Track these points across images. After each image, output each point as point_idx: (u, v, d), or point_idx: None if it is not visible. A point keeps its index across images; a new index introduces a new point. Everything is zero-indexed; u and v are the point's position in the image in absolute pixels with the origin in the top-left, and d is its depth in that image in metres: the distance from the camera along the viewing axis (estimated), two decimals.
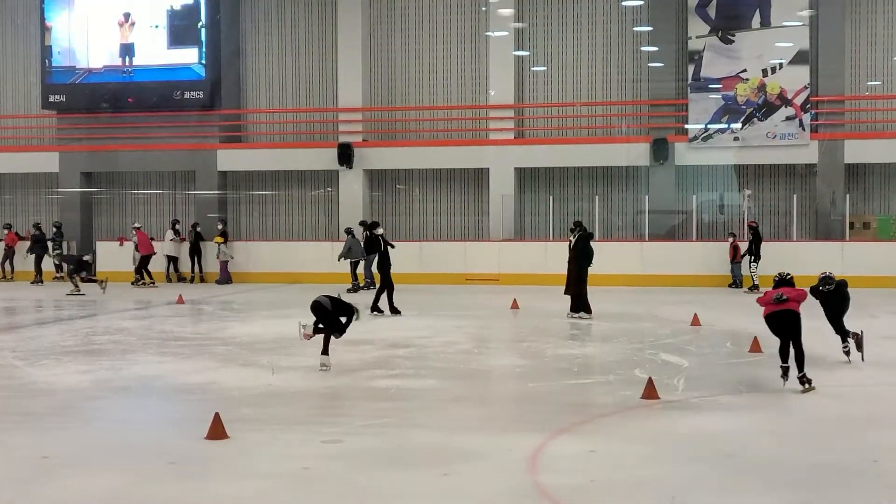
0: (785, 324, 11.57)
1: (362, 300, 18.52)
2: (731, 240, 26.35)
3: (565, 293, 19.53)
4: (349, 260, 26.21)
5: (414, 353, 14.83)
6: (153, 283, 27.85)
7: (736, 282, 25.86)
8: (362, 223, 26.54)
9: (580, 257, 19.35)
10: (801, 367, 11.51)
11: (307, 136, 31.68)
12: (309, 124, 32.00)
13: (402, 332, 17.23)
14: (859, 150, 27.63)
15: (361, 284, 26.10)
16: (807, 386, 11.45)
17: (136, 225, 29.05)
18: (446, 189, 30.90)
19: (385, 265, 20.10)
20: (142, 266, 27.93)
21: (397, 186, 31.17)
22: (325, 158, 30.32)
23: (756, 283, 24.68)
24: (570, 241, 19.77)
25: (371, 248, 21.15)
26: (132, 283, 27.72)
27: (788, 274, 12.18)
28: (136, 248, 28.12)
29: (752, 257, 25.12)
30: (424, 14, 30.87)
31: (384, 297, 19.90)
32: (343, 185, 30.53)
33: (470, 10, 30.54)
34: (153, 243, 28.57)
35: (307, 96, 31.78)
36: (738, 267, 25.87)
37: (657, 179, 28.61)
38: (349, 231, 26.98)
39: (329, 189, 31.27)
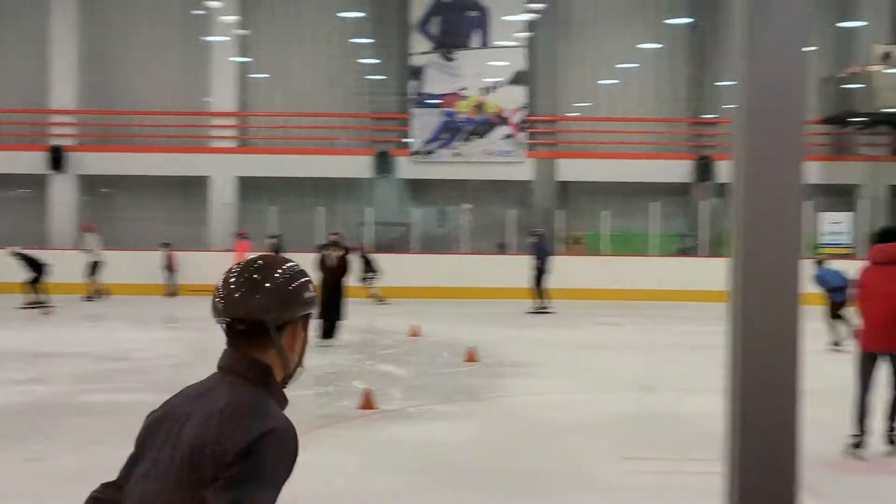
0: None
1: None
2: (165, 249, 26.39)
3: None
4: None
5: (129, 367, 14.23)
6: None
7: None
8: None
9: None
10: None
11: (14, 137, 29.67)
12: (17, 125, 29.96)
13: (113, 344, 16.52)
14: (570, 169, 28.99)
15: None
16: None
17: None
18: (163, 196, 29.81)
19: None
20: None
21: (102, 191, 29.68)
22: (32, 162, 28.60)
23: (381, 295, 24.68)
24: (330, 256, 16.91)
25: None
26: None
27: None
28: None
29: (371, 273, 24.81)
30: (144, 11, 29.77)
31: None
32: (54, 191, 28.90)
33: (191, 13, 29.63)
34: None
35: (17, 94, 29.64)
36: None
37: (381, 192, 28.91)
38: None
39: (29, 191, 29.35)
